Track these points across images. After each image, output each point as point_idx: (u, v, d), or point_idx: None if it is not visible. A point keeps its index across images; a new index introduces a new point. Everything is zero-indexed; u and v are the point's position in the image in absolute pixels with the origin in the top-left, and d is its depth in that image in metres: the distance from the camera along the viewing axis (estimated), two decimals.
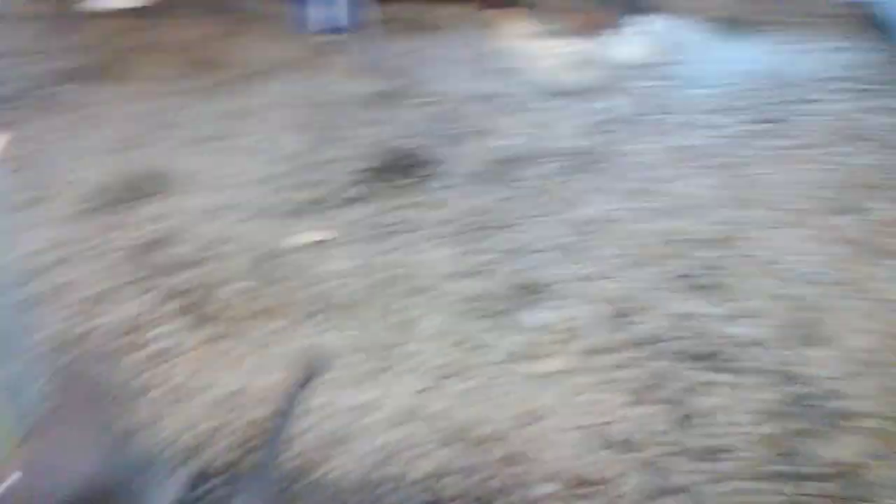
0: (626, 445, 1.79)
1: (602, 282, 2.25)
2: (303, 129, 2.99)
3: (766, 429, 1.82)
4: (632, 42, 3.48)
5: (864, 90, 3.13)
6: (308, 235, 2.43)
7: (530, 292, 2.21)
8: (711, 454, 1.77)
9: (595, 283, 2.24)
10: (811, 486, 1.69)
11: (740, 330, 2.08)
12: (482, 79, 3.27)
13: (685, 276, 2.26)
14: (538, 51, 3.43)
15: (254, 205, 2.58)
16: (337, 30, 3.38)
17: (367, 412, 1.86)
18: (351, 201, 2.59)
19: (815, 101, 3.07)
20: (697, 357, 2.00)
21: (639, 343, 2.05)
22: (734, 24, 3.66)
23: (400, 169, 2.74)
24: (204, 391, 1.87)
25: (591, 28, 3.52)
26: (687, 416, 1.85)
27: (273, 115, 3.09)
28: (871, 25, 3.53)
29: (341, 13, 3.32)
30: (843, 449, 1.76)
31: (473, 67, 3.35)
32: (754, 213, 2.50)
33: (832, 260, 2.30)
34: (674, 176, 2.68)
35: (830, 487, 1.68)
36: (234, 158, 2.82)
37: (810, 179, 2.64)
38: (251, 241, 2.42)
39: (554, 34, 3.55)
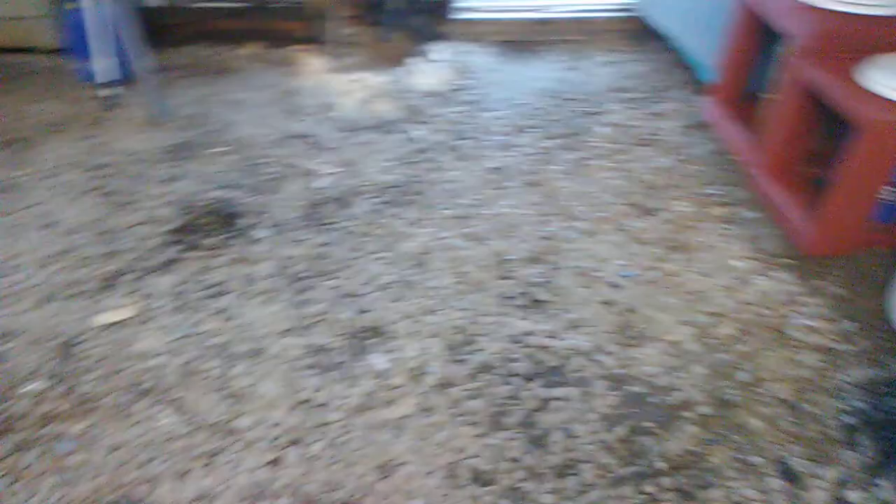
0: (487, 477, 1.76)
1: (437, 314, 2.22)
2: (93, 195, 2.69)
3: (616, 433, 1.87)
4: (427, 71, 3.54)
5: (642, 98, 3.41)
6: (114, 314, 2.17)
7: (367, 337, 2.13)
8: (570, 468, 1.79)
9: (430, 316, 2.21)
10: (666, 481, 1.76)
11: (575, 341, 2.14)
12: (285, 120, 3.14)
13: (516, 296, 2.30)
14: (340, 86, 3.37)
15: (46, 287, 2.26)
16: (119, 81, 3.09)
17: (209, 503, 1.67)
18: (158, 268, 2.35)
19: (601, 112, 3.30)
20: (540, 375, 2.03)
21: (483, 370, 2.04)
22: (520, 45, 3.85)
23: (208, 226, 2.54)
24: None
25: (387, 60, 3.53)
26: (540, 436, 1.86)
27: (57, 182, 2.75)
28: (644, 37, 3.87)
29: (122, 62, 3.04)
30: (686, 439, 1.86)
31: (274, 109, 3.22)
32: (568, 226, 2.60)
33: (642, 260, 2.45)
34: (489, 198, 2.74)
35: (682, 479, 1.76)
36: (18, 237, 2.46)
37: (611, 186, 2.82)
38: (47, 329, 2.11)
39: (352, 68, 3.51)
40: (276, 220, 2.58)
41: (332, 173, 2.84)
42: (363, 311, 2.22)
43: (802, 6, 2.51)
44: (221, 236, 2.49)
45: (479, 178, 2.86)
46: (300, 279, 2.33)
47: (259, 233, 2.52)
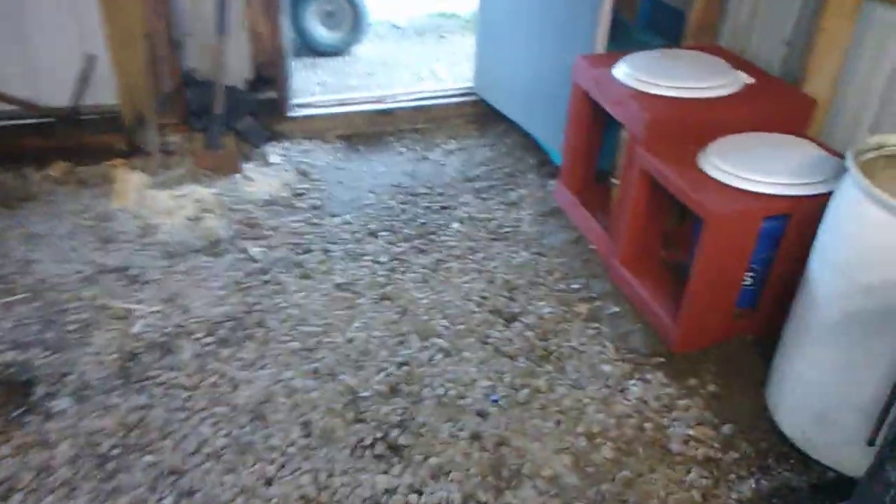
0: None
1: (280, 483, 1.88)
2: None
3: None
4: (265, 177, 3.25)
5: (494, 186, 3.27)
6: None
7: None
8: None
9: (272, 487, 1.86)
10: None
11: (444, 492, 1.86)
12: (97, 251, 2.73)
13: (373, 443, 2.00)
14: (164, 204, 3.01)
15: None
16: None
17: None
18: None
19: (455, 206, 3.13)
20: None
21: None
22: (364, 139, 3.65)
23: None
24: None
25: (218, 169, 3.21)
26: None
27: None
28: (490, 121, 3.77)
29: None
30: None
31: (85, 238, 2.80)
32: (427, 345, 2.36)
33: (511, 378, 2.23)
34: (339, 322, 2.45)
35: None
36: None
37: (471, 291, 2.61)
38: None
39: (178, 182, 3.16)
40: (81, 382, 2.16)
41: (152, 312, 2.45)
42: (189, 493, 1.84)
43: (633, 93, 2.45)
44: (10, 414, 2.04)
45: (326, 298, 2.57)
46: (109, 459, 1.92)
47: (59, 403, 2.08)
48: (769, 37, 2.89)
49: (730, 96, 2.46)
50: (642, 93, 2.44)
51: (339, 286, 2.63)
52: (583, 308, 2.55)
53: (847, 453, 1.87)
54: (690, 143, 2.38)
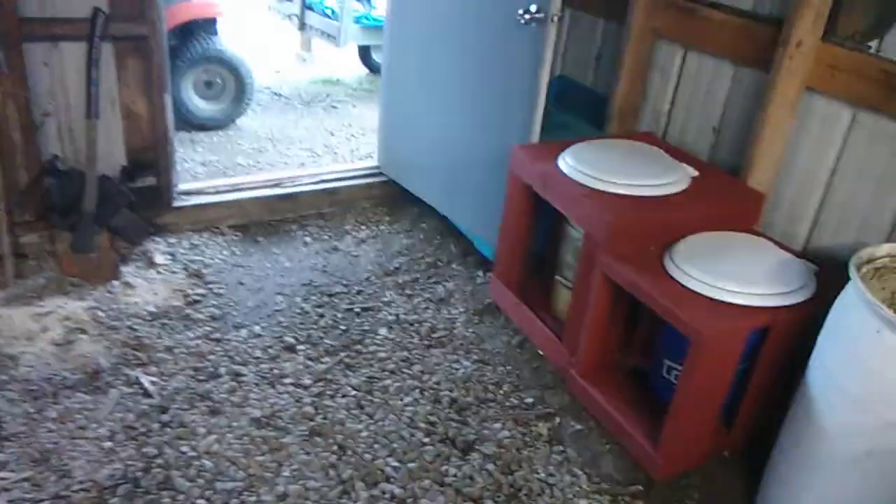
0: None
1: None
2: None
3: None
4: (151, 282, 2.74)
5: (418, 280, 2.97)
6: None
7: None
8: None
9: None
10: None
11: None
12: None
13: None
14: (23, 325, 2.42)
15: None
16: None
17: None
18: None
19: (378, 306, 2.79)
20: None
21: None
22: (264, 229, 3.23)
23: None
24: None
25: (92, 275, 2.67)
26: None
27: None
28: (402, 203, 3.48)
29: None
30: None
31: None
32: (377, 494, 1.98)
33: None
34: (264, 472, 2.02)
35: None
36: None
37: (416, 416, 2.27)
38: None
39: (41, 295, 2.59)
40: None
41: (19, 482, 1.90)
42: None
43: (588, 192, 2.26)
44: None
45: (245, 439, 2.13)
46: None
47: None
48: (695, 122, 2.84)
49: (682, 192, 2.33)
50: (597, 191, 2.26)
51: (257, 422, 2.20)
52: (543, 428, 2.28)
53: None
54: (651, 245, 2.21)
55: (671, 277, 2.05)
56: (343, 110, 4.90)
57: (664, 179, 2.31)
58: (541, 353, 2.58)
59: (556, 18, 2.40)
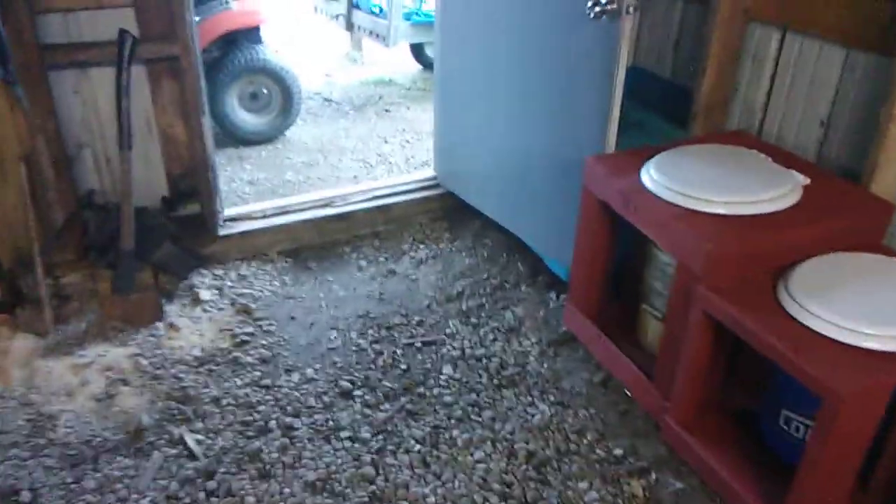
0: None
1: None
2: None
3: None
4: (197, 322, 2.55)
5: (484, 306, 2.69)
6: None
7: None
8: None
9: None
10: None
11: None
12: None
13: None
14: (61, 378, 2.26)
15: None
16: None
17: None
18: None
19: (441, 338, 2.52)
20: None
21: None
22: (316, 254, 3.01)
23: None
24: None
25: (134, 317, 2.49)
26: None
27: None
28: (462, 218, 3.20)
29: None
30: None
31: None
32: None
33: None
34: None
35: None
36: None
37: (489, 475, 2.00)
38: None
39: (80, 342, 2.42)
40: None
41: None
42: None
43: (680, 213, 1.92)
44: None
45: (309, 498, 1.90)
46: None
47: None
48: (798, 116, 2.45)
49: (793, 207, 1.97)
50: (690, 212, 1.92)
51: (312, 487, 1.97)
52: (637, 487, 1.97)
53: None
54: (760, 274, 1.87)
55: (789, 316, 1.70)
56: (396, 113, 4.64)
57: (771, 192, 1.95)
58: (628, 393, 2.26)
59: (631, 9, 2.06)
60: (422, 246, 3.09)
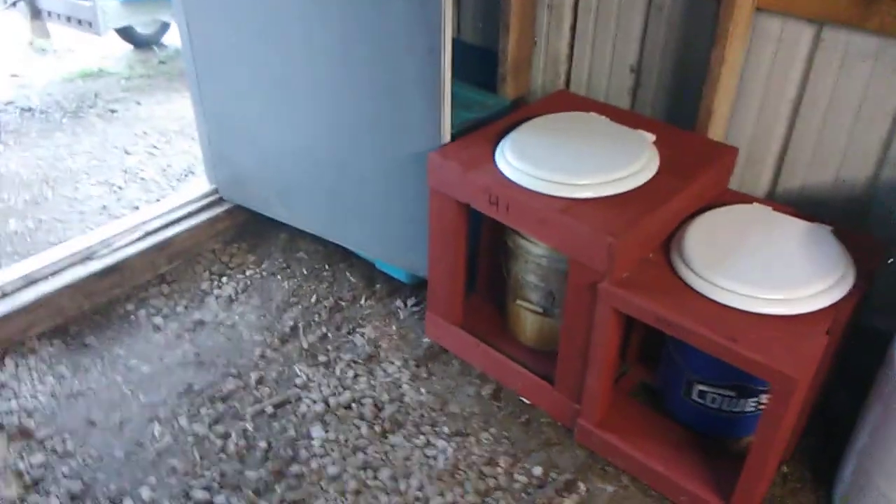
0: None
1: None
2: None
3: None
4: None
5: (328, 337, 2.29)
6: None
7: None
8: None
9: None
10: None
11: None
12: None
13: None
14: None
15: None
16: None
17: None
18: None
19: (290, 398, 2.10)
20: None
21: None
22: (87, 326, 2.33)
23: None
24: None
25: None
26: None
27: None
28: (264, 232, 2.68)
29: None
30: None
31: None
32: None
33: None
34: None
35: None
36: None
37: None
38: None
39: None
40: None
41: None
42: None
43: (561, 205, 1.71)
44: None
45: None
46: None
47: None
48: (605, 65, 2.37)
49: (659, 172, 1.86)
50: (571, 201, 1.71)
51: None
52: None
53: None
54: (651, 252, 1.75)
55: (703, 297, 1.60)
56: (126, 113, 3.78)
57: (638, 162, 1.82)
58: (525, 400, 2.07)
59: None
60: (224, 279, 2.55)
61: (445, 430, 2.00)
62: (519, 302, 2.06)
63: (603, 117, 2.05)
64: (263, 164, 2.50)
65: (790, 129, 2.04)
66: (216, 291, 2.50)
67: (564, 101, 2.22)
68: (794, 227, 1.79)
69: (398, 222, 2.22)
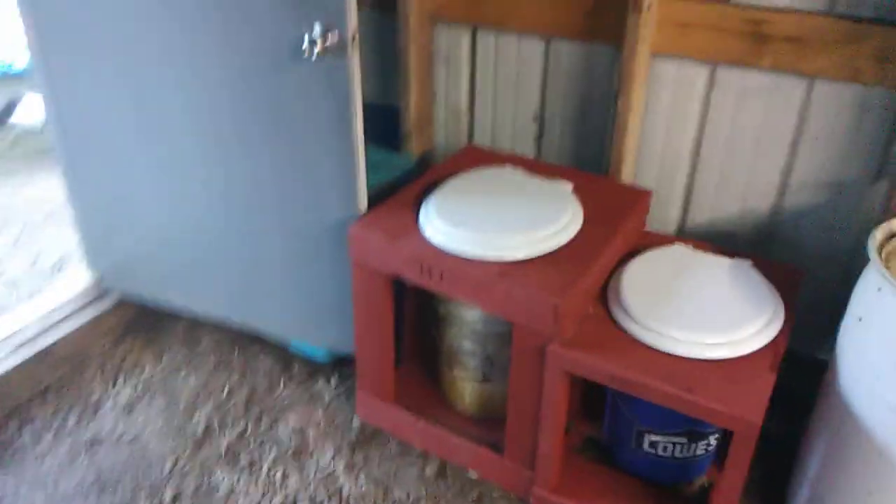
0: None
1: None
2: None
3: None
4: None
5: (241, 437, 2.09)
6: None
7: None
8: None
9: None
10: None
11: None
12: None
13: None
14: None
15: None
16: None
17: None
18: None
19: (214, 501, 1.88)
20: None
21: None
22: None
23: None
24: None
25: None
26: None
27: None
28: (158, 328, 2.43)
29: None
30: None
31: None
32: None
33: None
34: None
35: None
36: None
37: None
38: None
39: None
40: None
41: None
42: None
43: (498, 269, 1.64)
44: None
45: None
46: None
47: None
48: (508, 116, 2.36)
49: (585, 223, 1.83)
50: (508, 265, 1.64)
51: None
52: None
53: None
54: (589, 308, 1.71)
55: (651, 348, 1.57)
56: None
57: (565, 216, 1.78)
58: (473, 475, 1.95)
59: (356, 38, 1.65)
60: (120, 383, 2.28)
61: None
62: (456, 372, 1.95)
63: (519, 170, 2.01)
64: (154, 246, 2.27)
65: (693, 165, 2.09)
66: (112, 399, 2.22)
67: (474, 156, 2.17)
68: (718, 265, 1.81)
69: (314, 298, 2.07)
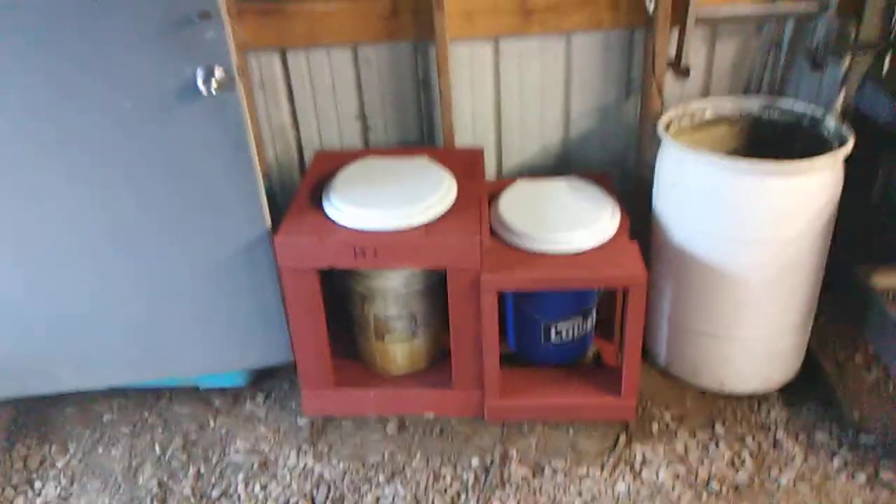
0: None
1: None
2: None
3: None
4: None
5: (199, 479, 2.12)
6: None
7: None
8: None
9: None
10: None
11: None
12: None
13: None
14: None
15: None
16: None
17: None
18: None
19: None
20: None
21: None
22: None
23: None
24: None
25: None
26: None
27: None
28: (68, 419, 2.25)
29: None
30: None
31: None
32: None
33: None
34: None
35: None
36: None
37: None
38: None
39: None
40: None
41: None
42: None
43: (422, 231, 1.97)
44: None
45: None
46: None
47: None
48: (332, 121, 2.62)
49: (459, 182, 2.21)
50: (425, 226, 1.97)
51: None
52: (518, 473, 2.08)
53: None
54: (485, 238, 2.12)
55: (548, 254, 2.03)
56: None
57: (448, 179, 2.15)
58: (430, 416, 2.24)
59: (243, 71, 1.83)
60: (38, 485, 2.11)
61: (381, 478, 2.08)
62: (387, 338, 2.22)
63: (379, 158, 2.32)
64: (36, 336, 2.13)
65: (498, 122, 2.59)
66: (37, 502, 2.07)
67: (330, 159, 2.41)
68: (557, 187, 2.33)
69: (233, 323, 2.16)
